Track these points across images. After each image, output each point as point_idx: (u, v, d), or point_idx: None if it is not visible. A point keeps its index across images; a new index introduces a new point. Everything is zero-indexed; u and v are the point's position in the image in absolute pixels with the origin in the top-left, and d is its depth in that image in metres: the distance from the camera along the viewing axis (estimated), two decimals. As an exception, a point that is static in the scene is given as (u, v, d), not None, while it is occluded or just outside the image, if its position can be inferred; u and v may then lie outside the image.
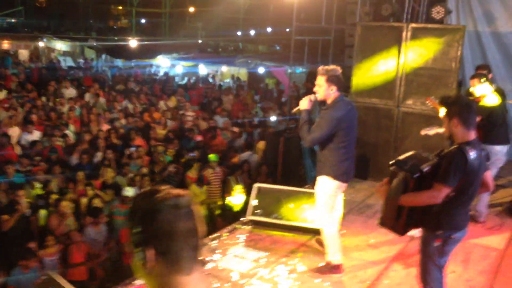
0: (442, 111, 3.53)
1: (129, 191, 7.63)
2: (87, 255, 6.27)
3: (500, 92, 6.15)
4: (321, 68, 4.57)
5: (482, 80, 5.83)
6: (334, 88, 4.48)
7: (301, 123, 4.61)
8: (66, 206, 6.78)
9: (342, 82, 4.61)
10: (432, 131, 5.34)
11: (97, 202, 7.23)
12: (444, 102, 3.51)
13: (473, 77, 6.02)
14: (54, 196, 7.20)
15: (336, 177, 4.58)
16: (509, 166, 8.31)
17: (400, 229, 3.62)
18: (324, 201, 4.66)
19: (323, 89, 4.51)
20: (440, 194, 3.32)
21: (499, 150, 6.00)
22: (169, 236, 1.44)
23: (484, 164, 3.48)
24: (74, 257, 6.10)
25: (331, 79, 4.47)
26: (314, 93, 4.59)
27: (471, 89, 6.12)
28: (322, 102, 4.67)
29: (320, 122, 4.49)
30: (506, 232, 6.02)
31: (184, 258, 1.46)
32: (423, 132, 5.50)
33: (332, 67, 4.54)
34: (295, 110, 4.87)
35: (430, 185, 3.37)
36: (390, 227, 3.66)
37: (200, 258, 1.52)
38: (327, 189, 4.62)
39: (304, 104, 4.60)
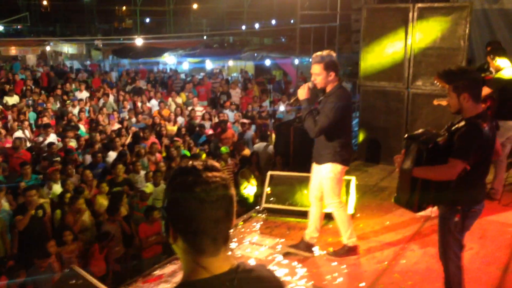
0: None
1: (148, 187, 7.68)
2: (106, 251, 6.34)
3: None
4: (315, 55, 4.39)
5: (494, 59, 5.74)
6: (332, 74, 4.35)
7: (304, 114, 4.46)
8: (82, 203, 6.85)
9: (339, 67, 4.48)
10: (445, 101, 5.30)
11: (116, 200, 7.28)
12: (450, 77, 3.44)
13: (488, 53, 5.95)
14: (68, 195, 7.26)
15: (341, 162, 4.53)
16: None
17: (415, 205, 3.58)
18: (332, 187, 4.59)
19: (322, 77, 4.36)
20: (455, 170, 3.27)
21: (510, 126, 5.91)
22: (189, 222, 1.45)
23: (495, 135, 3.46)
24: (93, 254, 6.17)
25: (328, 65, 4.33)
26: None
27: (485, 65, 6.09)
28: (321, 90, 4.54)
29: (326, 111, 4.36)
30: (523, 207, 5.98)
31: (205, 242, 1.46)
32: (436, 102, 5.45)
33: (326, 52, 4.38)
34: (292, 100, 4.77)
35: (444, 159, 3.35)
36: (404, 203, 3.61)
37: (228, 242, 1.51)
38: (333, 175, 4.55)
39: (302, 93, 4.44)
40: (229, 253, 1.56)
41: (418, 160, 3.34)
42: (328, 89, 4.42)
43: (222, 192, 1.46)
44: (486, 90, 5.38)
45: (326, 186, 4.62)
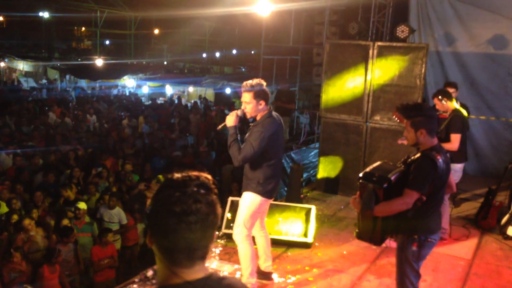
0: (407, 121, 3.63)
1: (81, 204, 7.42)
2: (59, 272, 6.09)
3: (465, 107, 6.37)
4: (245, 84, 4.30)
5: (442, 100, 5.95)
6: (262, 103, 4.28)
7: (230, 141, 4.32)
8: (30, 223, 6.57)
9: (269, 96, 4.38)
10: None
11: (66, 222, 7.03)
12: (408, 113, 3.60)
13: (434, 95, 6.11)
14: (15, 216, 6.97)
15: (263, 194, 4.39)
16: (470, 180, 8.65)
17: (377, 239, 3.70)
18: (246, 217, 4.41)
19: (251, 106, 4.27)
20: (411, 200, 3.42)
21: (459, 168, 6.10)
22: (164, 237, 1.45)
23: (449, 167, 3.63)
24: (43, 275, 5.91)
25: (258, 94, 4.25)
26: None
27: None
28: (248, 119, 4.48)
29: (251, 141, 4.24)
30: (473, 242, 6.22)
31: (180, 257, 1.47)
32: (400, 142, 5.61)
33: (256, 81, 4.28)
34: (220, 126, 4.61)
35: (400, 192, 3.48)
36: (368, 239, 3.73)
37: (205, 257, 1.51)
38: (252, 205, 4.40)
39: (231, 120, 4.33)
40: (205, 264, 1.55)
41: (376, 201, 3.45)
42: (258, 118, 4.35)
43: (204, 213, 1.45)
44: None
45: (240, 214, 4.45)
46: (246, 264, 4.47)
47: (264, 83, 4.33)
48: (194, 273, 1.49)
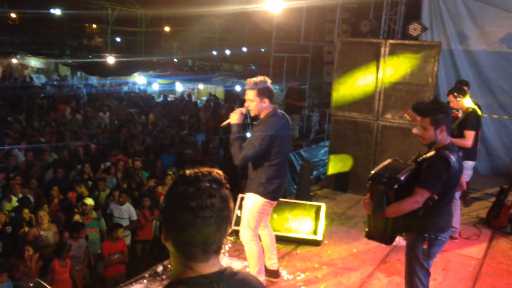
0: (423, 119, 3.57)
1: (88, 200, 7.50)
2: (69, 266, 6.15)
3: (477, 105, 6.31)
4: (248, 81, 4.20)
5: (458, 97, 5.88)
6: (266, 100, 4.17)
7: (232, 138, 4.22)
8: (44, 214, 6.63)
9: (273, 93, 4.27)
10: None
11: (77, 218, 7.10)
12: (429, 110, 3.54)
13: (449, 91, 6.10)
14: (26, 211, 7.05)
15: (265, 195, 4.29)
16: (482, 179, 8.59)
17: (388, 238, 3.67)
18: (249, 218, 4.35)
19: (255, 104, 4.18)
20: (421, 198, 3.38)
21: (470, 165, 6.06)
22: (180, 232, 1.47)
23: (462, 166, 3.60)
24: (54, 269, 5.96)
25: (262, 92, 4.15)
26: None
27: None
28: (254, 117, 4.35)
29: (252, 139, 4.15)
30: (484, 241, 6.18)
31: (195, 251, 1.48)
32: (415, 131, 5.56)
33: (260, 78, 4.19)
34: (224, 124, 4.42)
35: (410, 190, 3.44)
36: (378, 238, 3.70)
37: (219, 251, 1.53)
38: (254, 206, 4.33)
39: (235, 118, 4.24)
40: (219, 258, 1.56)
41: (387, 201, 3.42)
42: (261, 116, 4.25)
43: (218, 208, 1.47)
44: None
45: (244, 216, 4.40)
46: (253, 264, 4.46)
47: (269, 81, 4.23)
48: (209, 267, 1.51)
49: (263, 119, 4.22)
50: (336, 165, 8.00)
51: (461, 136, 5.69)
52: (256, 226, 4.40)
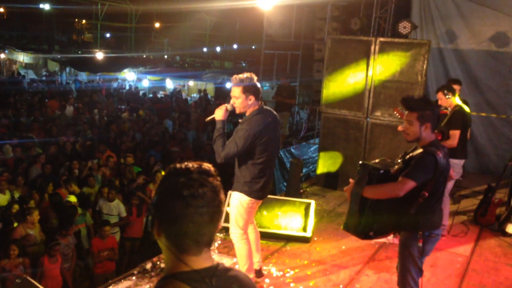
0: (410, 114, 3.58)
1: (71, 198, 7.47)
2: (60, 263, 6.11)
3: (466, 104, 6.33)
4: (234, 77, 4.08)
5: (447, 95, 5.89)
6: (252, 98, 4.05)
7: (215, 135, 4.10)
8: (36, 216, 6.57)
9: (259, 91, 4.14)
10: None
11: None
12: (416, 105, 3.55)
13: (439, 89, 6.07)
14: (16, 206, 6.98)
15: (249, 194, 4.21)
16: (470, 177, 8.67)
17: (361, 233, 3.65)
18: (236, 217, 4.31)
19: (240, 101, 4.06)
20: (404, 186, 3.36)
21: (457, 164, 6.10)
22: (173, 224, 1.48)
23: (449, 162, 3.62)
24: (43, 264, 5.92)
25: (248, 89, 4.03)
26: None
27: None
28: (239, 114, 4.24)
29: (235, 138, 4.02)
30: (471, 239, 6.23)
31: (187, 243, 1.49)
32: (400, 128, 5.57)
33: (246, 75, 4.06)
34: (208, 119, 4.33)
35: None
36: (353, 229, 3.67)
37: (211, 244, 1.54)
38: (240, 205, 4.26)
39: (219, 114, 4.11)
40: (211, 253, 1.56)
41: (369, 183, 3.45)
42: (247, 114, 4.13)
43: (210, 197, 1.48)
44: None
45: (231, 214, 4.36)
46: (242, 262, 4.44)
47: (255, 77, 4.10)
48: (202, 262, 1.51)
49: (248, 117, 4.10)
50: (326, 162, 8.03)
51: (447, 135, 5.72)
52: (245, 224, 4.36)
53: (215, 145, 4.09)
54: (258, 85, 4.13)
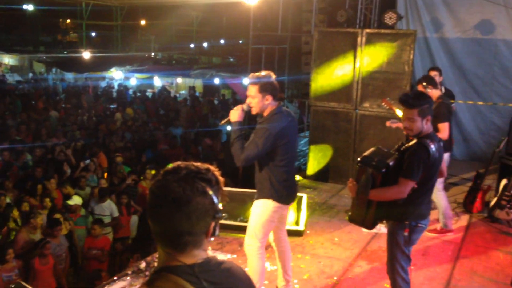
0: (400, 111, 3.63)
1: (75, 200, 7.46)
2: (53, 265, 6.09)
3: (449, 94, 6.35)
4: (251, 75, 3.88)
5: (427, 88, 5.74)
6: (269, 98, 3.82)
7: (232, 138, 3.88)
8: (39, 220, 6.55)
9: (277, 90, 3.92)
10: (395, 124, 5.47)
11: (59, 216, 7.00)
12: (417, 102, 3.53)
13: (418, 81, 5.93)
14: (15, 212, 6.97)
15: (279, 199, 3.94)
16: (458, 164, 8.74)
17: (369, 223, 3.74)
18: (256, 227, 3.97)
19: (257, 101, 3.83)
20: (406, 188, 3.47)
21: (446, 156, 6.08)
22: (159, 225, 1.52)
23: (442, 154, 3.66)
24: (34, 266, 5.90)
25: (265, 88, 3.80)
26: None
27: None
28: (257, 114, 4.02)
29: (255, 139, 3.79)
30: (461, 226, 6.30)
31: (173, 245, 1.52)
32: (388, 124, 5.59)
33: (264, 73, 3.85)
34: (223, 122, 4.11)
35: (395, 179, 3.51)
36: (359, 222, 3.78)
37: (199, 246, 1.54)
38: (263, 213, 3.95)
39: (235, 115, 3.88)
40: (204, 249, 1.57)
41: (372, 185, 3.49)
42: (265, 114, 3.90)
43: (197, 202, 1.49)
44: None
45: (251, 224, 4.02)
46: (254, 280, 4.19)
47: (273, 76, 3.88)
48: (192, 257, 1.53)
49: (267, 117, 3.87)
50: (316, 155, 8.05)
51: (435, 129, 5.71)
52: (264, 236, 4.01)
53: (233, 148, 3.86)
54: (276, 84, 3.92)
